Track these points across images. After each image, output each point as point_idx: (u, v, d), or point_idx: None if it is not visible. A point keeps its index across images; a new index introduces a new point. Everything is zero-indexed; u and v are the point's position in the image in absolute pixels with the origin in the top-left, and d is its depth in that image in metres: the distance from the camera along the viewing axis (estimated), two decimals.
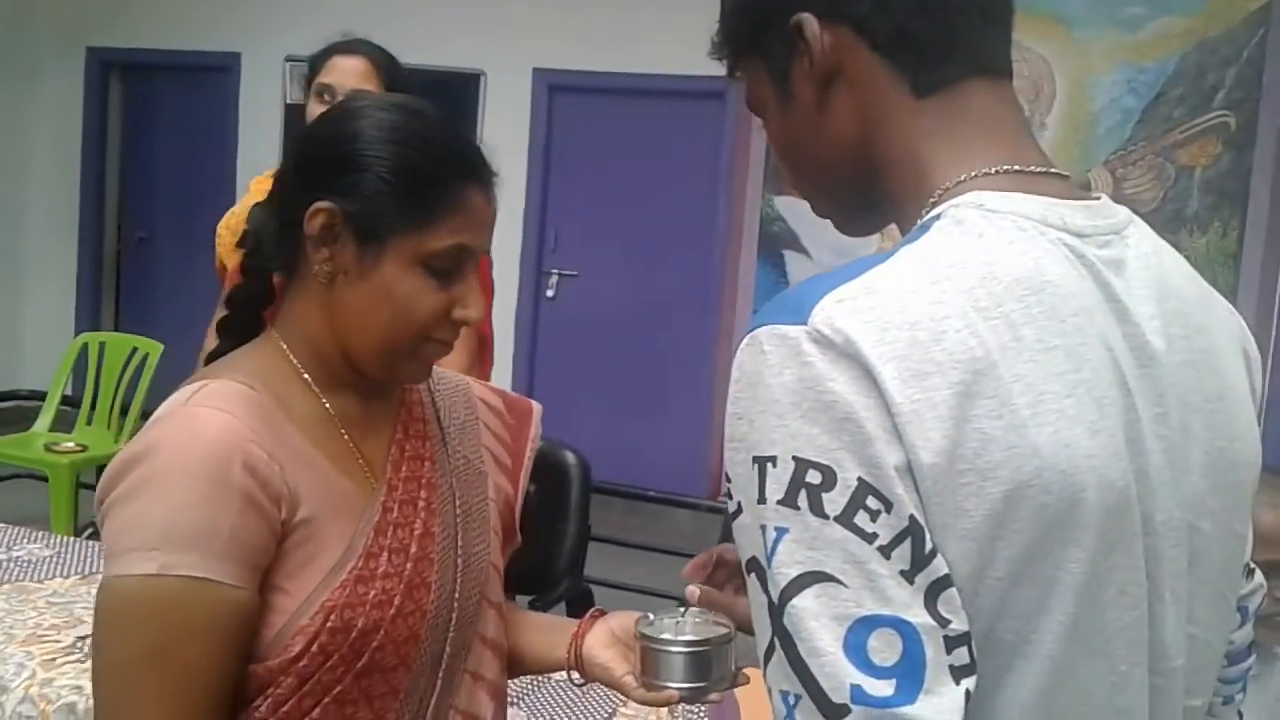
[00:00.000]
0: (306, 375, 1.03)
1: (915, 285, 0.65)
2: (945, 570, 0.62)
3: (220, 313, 1.11)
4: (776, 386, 0.63)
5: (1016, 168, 0.73)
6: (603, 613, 1.17)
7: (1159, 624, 0.71)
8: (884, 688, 0.59)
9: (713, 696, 1.05)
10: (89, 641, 1.78)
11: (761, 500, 0.63)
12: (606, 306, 5.79)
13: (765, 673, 0.64)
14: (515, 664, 1.20)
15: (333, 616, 0.96)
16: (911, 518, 0.61)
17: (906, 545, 0.61)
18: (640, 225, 5.75)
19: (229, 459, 0.92)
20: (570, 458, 2.60)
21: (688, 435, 5.62)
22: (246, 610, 0.93)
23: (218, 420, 0.94)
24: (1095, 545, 0.65)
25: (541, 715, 1.73)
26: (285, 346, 1.04)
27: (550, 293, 5.90)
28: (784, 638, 0.62)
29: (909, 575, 0.61)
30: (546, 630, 1.20)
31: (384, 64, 2.23)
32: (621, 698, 1.79)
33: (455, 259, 1.00)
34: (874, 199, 0.81)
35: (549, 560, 2.54)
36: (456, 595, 1.07)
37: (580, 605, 2.50)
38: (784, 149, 0.84)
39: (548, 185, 5.87)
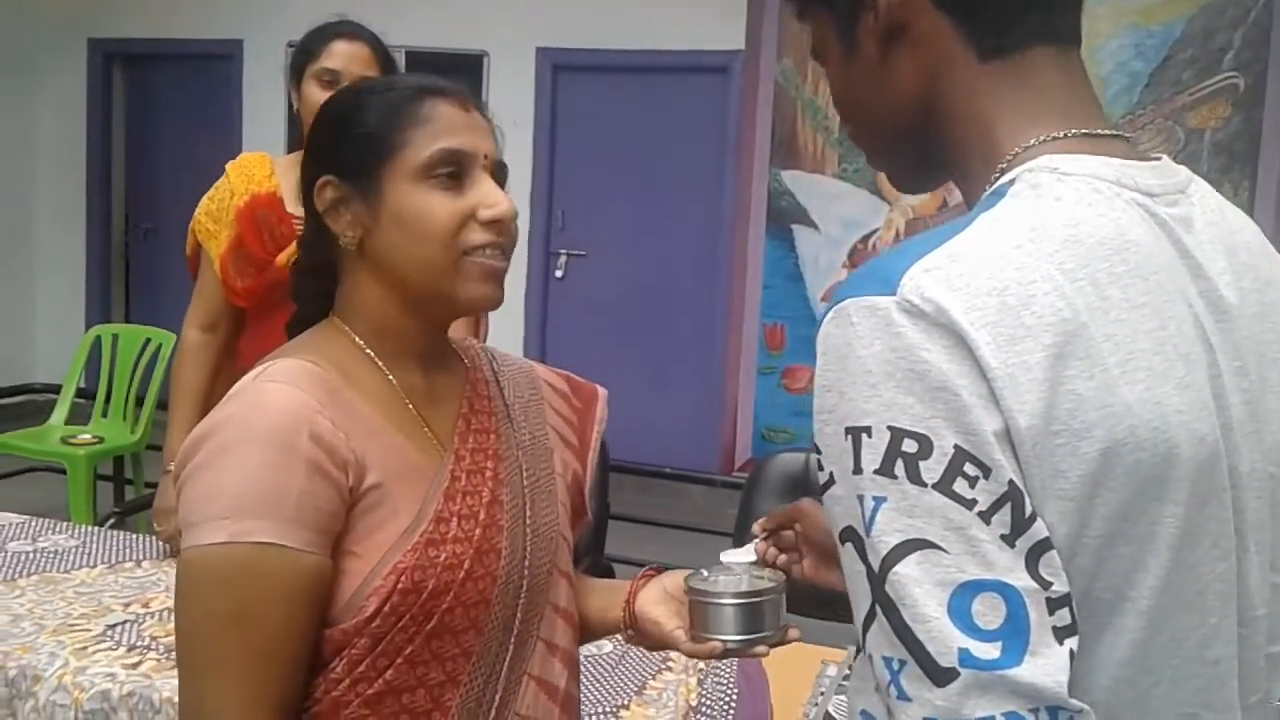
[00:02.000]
0: (369, 350, 1.06)
1: (999, 250, 0.66)
2: (1045, 533, 0.62)
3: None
4: (868, 357, 0.64)
5: (1085, 131, 0.74)
6: (656, 571, 1.20)
7: (1245, 574, 0.71)
8: (991, 650, 0.60)
9: (759, 649, 1.07)
10: (119, 630, 1.80)
11: (857, 470, 0.64)
12: (615, 285, 5.79)
13: (864, 640, 0.65)
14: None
15: (404, 578, 0.98)
16: (1010, 482, 0.62)
17: (1006, 510, 0.62)
18: (647, 203, 5.74)
19: (295, 428, 0.95)
20: None
21: (700, 411, 5.63)
22: (319, 574, 0.96)
23: (283, 393, 0.97)
24: (1188, 500, 0.66)
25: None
26: (346, 326, 1.07)
27: (559, 273, 5.90)
28: (886, 605, 0.63)
29: (1010, 539, 0.61)
30: (603, 593, 1.23)
31: (381, 50, 2.27)
32: (653, 670, 1.80)
33: (450, 164, 1.03)
34: (933, 157, 0.81)
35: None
36: (527, 563, 1.09)
37: None
38: (844, 101, 0.84)
39: (554, 165, 5.86)
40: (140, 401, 4.48)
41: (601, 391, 1.30)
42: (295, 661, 0.96)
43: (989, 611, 0.61)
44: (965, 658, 0.60)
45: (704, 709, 1.68)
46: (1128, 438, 0.64)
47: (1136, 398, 0.64)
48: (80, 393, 4.68)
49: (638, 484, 4.56)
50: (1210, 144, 4.82)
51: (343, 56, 2.21)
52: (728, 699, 1.71)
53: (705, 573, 1.10)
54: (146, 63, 6.62)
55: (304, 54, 2.24)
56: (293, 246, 2.23)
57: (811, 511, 1.15)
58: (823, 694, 1.72)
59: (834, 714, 1.65)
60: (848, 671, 1.79)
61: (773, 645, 1.08)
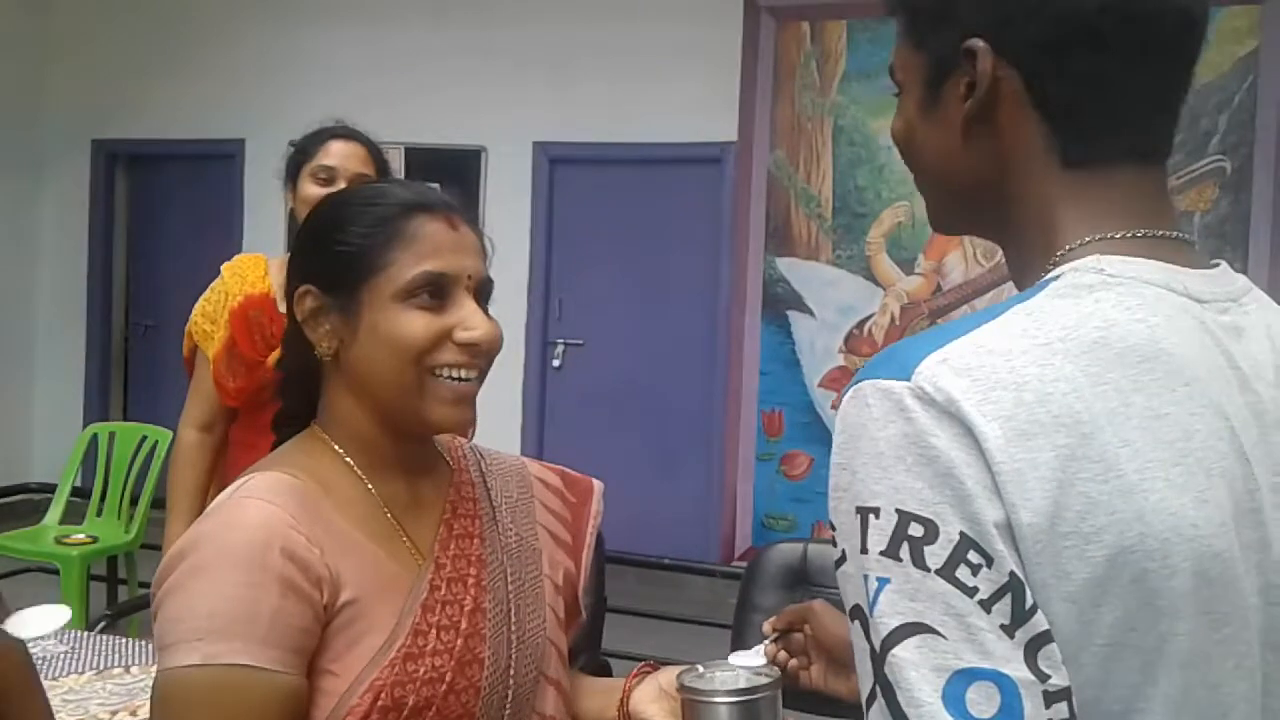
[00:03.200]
0: (349, 460, 1.06)
1: (1025, 346, 0.66)
2: (1045, 626, 0.62)
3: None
4: (881, 439, 0.65)
5: (1144, 233, 0.73)
6: (653, 668, 1.17)
7: (1273, 694, 0.70)
8: None
9: None
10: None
11: (864, 550, 0.64)
12: (613, 374, 5.79)
13: (867, 717, 0.66)
14: None
15: (382, 695, 0.96)
16: (1012, 574, 0.62)
17: (1007, 600, 0.62)
18: (644, 291, 5.78)
19: (268, 545, 0.94)
20: None
21: (700, 500, 5.59)
22: (293, 695, 0.94)
23: (257, 509, 0.97)
24: (1200, 616, 0.65)
25: None
26: (327, 436, 1.07)
27: (556, 362, 5.91)
28: (885, 686, 0.63)
29: (1009, 630, 0.61)
30: (599, 693, 1.20)
31: (375, 150, 2.33)
32: None
33: (430, 287, 1.02)
34: (982, 226, 0.81)
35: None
36: (512, 671, 1.06)
37: None
38: (907, 143, 0.82)
39: (551, 255, 5.91)
40: (135, 500, 4.45)
41: (597, 485, 1.29)
42: None
43: (983, 700, 0.60)
44: None
45: None
46: (1137, 545, 0.63)
47: (1150, 507, 0.63)
48: (76, 491, 4.65)
49: (636, 575, 4.51)
50: (1201, 227, 4.86)
51: (339, 155, 2.27)
52: None
53: (701, 669, 1.07)
54: (149, 162, 6.73)
55: (300, 154, 2.30)
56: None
57: (821, 613, 1.13)
58: None
59: None
60: None
61: None
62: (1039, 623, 0.62)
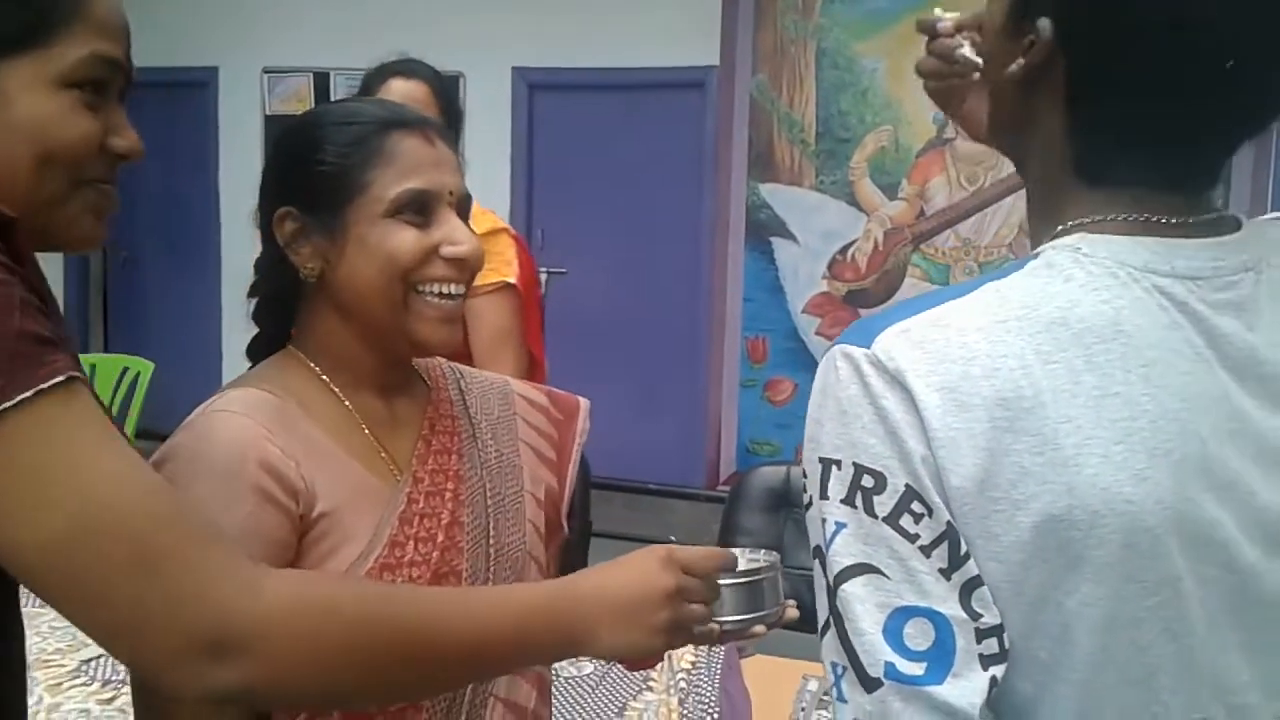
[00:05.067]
0: (325, 377, 1.06)
1: (982, 323, 0.71)
2: (977, 571, 0.69)
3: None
4: (843, 399, 0.71)
5: (1142, 218, 0.74)
6: None
7: (1225, 662, 0.72)
8: (915, 668, 0.67)
9: (757, 630, 1.05)
10: (93, 665, 1.78)
11: (825, 496, 0.72)
12: (597, 302, 5.78)
13: (821, 648, 0.73)
14: None
15: None
16: (949, 523, 0.69)
17: (945, 547, 0.68)
18: (627, 219, 5.75)
19: (243, 456, 0.95)
20: None
21: (684, 426, 5.62)
22: None
23: (232, 421, 0.97)
24: (1127, 584, 0.69)
25: (554, 707, 1.73)
26: (303, 355, 1.07)
27: (540, 290, 5.88)
28: (836, 617, 0.71)
29: (946, 573, 0.68)
30: None
31: (438, 85, 2.22)
32: (633, 691, 1.79)
33: (414, 203, 1.02)
34: (1016, 159, 0.83)
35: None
36: (490, 583, 1.08)
37: None
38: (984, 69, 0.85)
39: (532, 184, 5.86)
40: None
41: (583, 403, 1.29)
42: None
43: (919, 635, 0.68)
44: (890, 670, 0.68)
45: None
46: (1064, 515, 0.68)
47: (1084, 480, 0.68)
48: None
49: (623, 500, 4.56)
50: None
51: (400, 94, 2.16)
52: (710, 717, 1.70)
53: None
54: (136, 89, 6.59)
55: (364, 91, 2.22)
56: None
57: None
58: (804, 708, 1.71)
59: None
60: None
61: (771, 625, 1.06)
62: (971, 568, 0.68)
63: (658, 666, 1.79)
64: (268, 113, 6.08)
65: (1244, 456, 0.71)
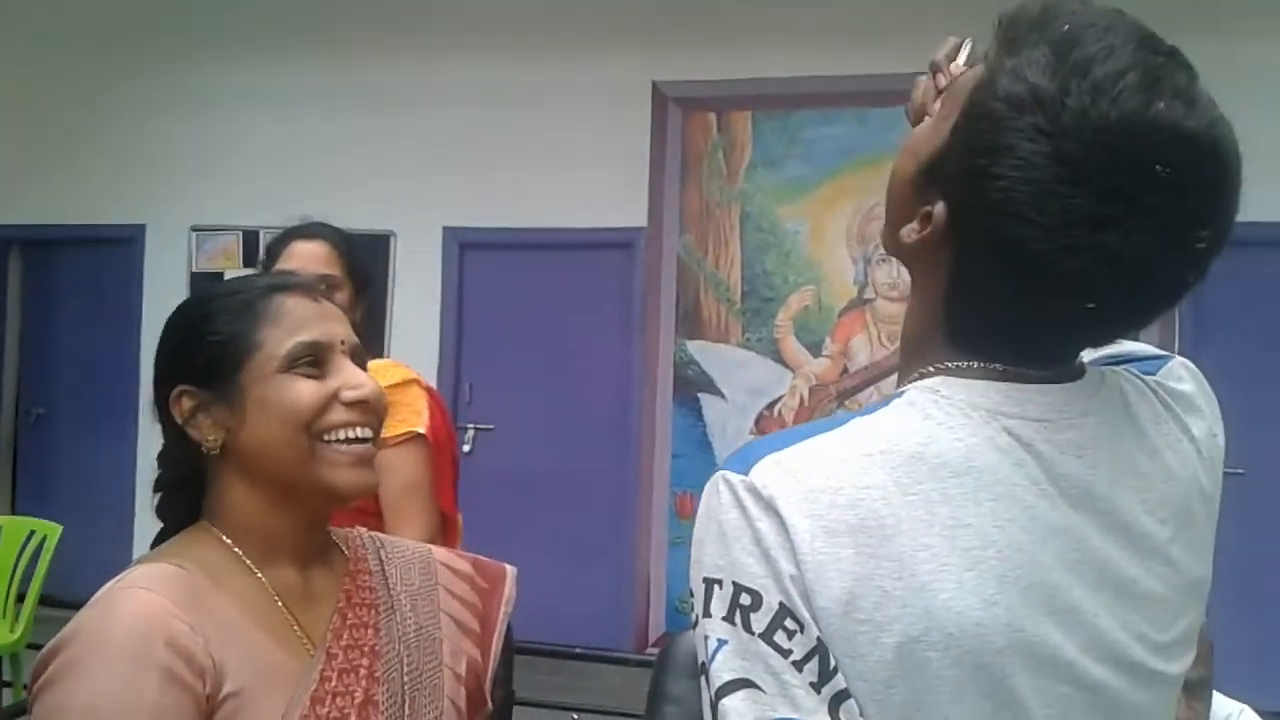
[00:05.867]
0: (238, 550, 1.04)
1: (849, 455, 0.75)
2: (845, 685, 0.72)
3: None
4: (724, 521, 0.75)
5: (1000, 368, 0.79)
6: None
7: None
8: None
9: None
10: None
11: (708, 614, 0.75)
12: (524, 458, 5.74)
13: None
14: None
15: None
16: (819, 639, 0.72)
17: (815, 661, 0.72)
18: (555, 375, 5.77)
19: (149, 636, 0.92)
20: None
21: (612, 586, 5.53)
22: None
23: (139, 598, 0.94)
24: (981, 701, 0.73)
25: None
26: (216, 529, 1.05)
27: (467, 447, 5.83)
28: None
29: (817, 687, 0.72)
30: None
31: (342, 244, 2.22)
32: None
33: (308, 355, 1.03)
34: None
35: None
36: None
37: None
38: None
39: (461, 340, 5.88)
40: (21, 598, 4.24)
41: (510, 570, 1.27)
42: None
43: None
44: None
45: None
46: (922, 636, 0.71)
47: (939, 604, 0.72)
48: None
49: (549, 665, 4.43)
50: None
51: (299, 257, 2.15)
52: None
53: None
54: (46, 247, 6.55)
55: (269, 257, 2.20)
56: None
57: None
58: None
59: None
60: None
61: None
62: (840, 681, 0.72)
63: None
64: (195, 269, 6.07)
65: (1085, 584, 0.76)
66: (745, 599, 0.73)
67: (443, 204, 5.80)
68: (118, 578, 0.98)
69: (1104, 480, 0.78)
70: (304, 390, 1.02)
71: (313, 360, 1.04)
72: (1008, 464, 0.76)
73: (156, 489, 1.10)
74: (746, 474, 0.75)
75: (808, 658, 0.72)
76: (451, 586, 1.20)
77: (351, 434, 1.04)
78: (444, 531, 2.16)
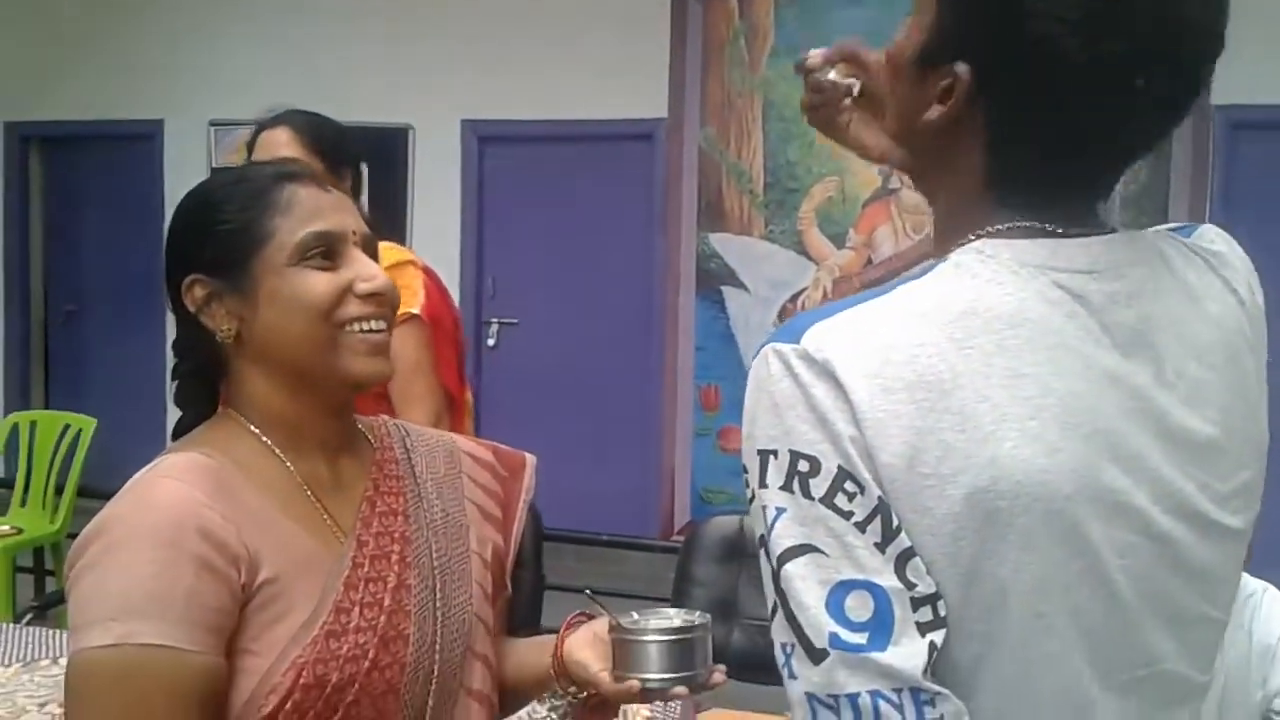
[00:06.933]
0: (266, 440, 1.05)
1: (899, 316, 0.76)
2: (910, 544, 0.72)
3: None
4: (775, 393, 0.75)
5: (1041, 226, 0.79)
6: (586, 617, 1.17)
7: (1150, 629, 0.78)
8: (858, 638, 0.71)
9: (680, 690, 1.05)
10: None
11: (764, 485, 0.75)
12: (548, 352, 5.77)
13: (772, 631, 0.75)
14: (510, 690, 1.20)
15: (305, 673, 0.95)
16: (880, 499, 0.72)
17: (878, 521, 0.72)
18: (578, 269, 5.76)
19: (182, 525, 0.93)
20: None
21: (638, 476, 5.61)
22: (210, 674, 0.93)
23: (171, 488, 0.95)
24: (1048, 551, 0.73)
25: None
26: (242, 417, 1.05)
27: (491, 341, 5.87)
28: (781, 598, 0.74)
29: (881, 546, 0.72)
30: (534, 646, 1.21)
31: (306, 126, 2.22)
32: None
33: (320, 246, 1.03)
34: (926, 187, 0.88)
35: (506, 611, 2.50)
36: (438, 647, 1.06)
37: None
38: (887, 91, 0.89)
39: (482, 234, 5.86)
40: (60, 490, 4.35)
41: (529, 459, 1.29)
42: None
43: (859, 606, 0.71)
44: (835, 640, 0.71)
45: None
46: (990, 486, 0.72)
47: (1004, 453, 0.72)
48: None
49: (576, 553, 4.52)
50: (1120, 199, 4.97)
51: (264, 146, 2.19)
52: None
53: (635, 615, 1.09)
54: (65, 144, 6.54)
55: (249, 152, 2.22)
56: None
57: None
58: None
59: None
60: None
61: (696, 687, 1.05)
62: (904, 540, 0.72)
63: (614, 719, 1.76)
64: (215, 165, 6.04)
65: (1146, 433, 0.77)
66: (803, 465, 0.73)
67: (461, 97, 5.72)
68: (147, 467, 0.99)
69: (1154, 329, 0.79)
70: (318, 283, 1.02)
71: (325, 251, 1.03)
72: (1060, 315, 0.76)
73: (174, 377, 1.11)
74: (797, 342, 0.75)
75: (870, 518, 0.72)
76: (475, 475, 1.21)
77: (367, 326, 1.04)
78: (452, 410, 2.19)
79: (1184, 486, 0.77)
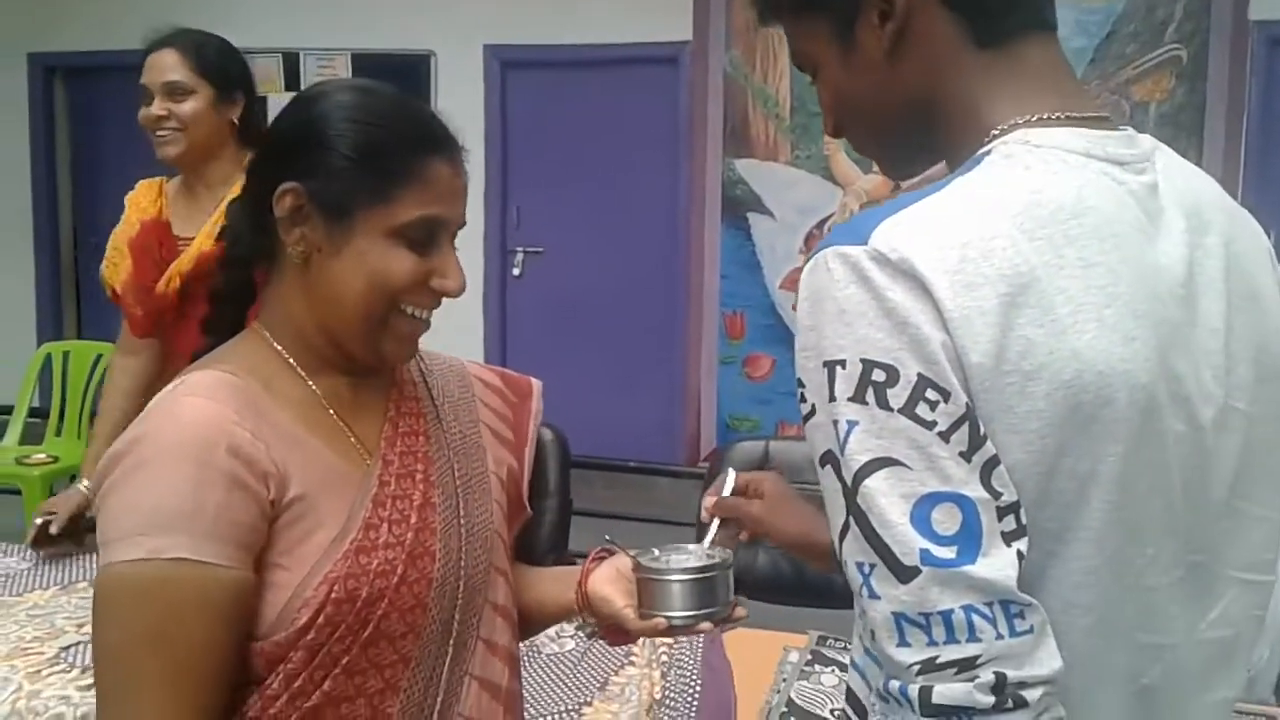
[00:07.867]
0: (291, 360, 1.05)
1: (966, 210, 0.73)
2: (994, 451, 0.70)
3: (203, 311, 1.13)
4: (842, 299, 0.71)
5: (1067, 114, 0.80)
6: (610, 552, 1.19)
7: (1193, 519, 0.78)
8: (947, 552, 0.68)
9: (704, 626, 1.07)
10: (72, 651, 1.77)
11: (833, 398, 0.71)
12: (573, 280, 5.77)
13: (841, 552, 0.73)
14: (533, 619, 1.23)
15: (336, 587, 0.97)
16: (967, 405, 0.70)
17: (964, 429, 0.69)
18: (602, 197, 5.73)
19: (212, 441, 0.94)
20: (547, 433, 2.59)
21: (664, 403, 5.63)
22: (239, 589, 0.94)
23: (200, 406, 0.96)
24: (1128, 441, 0.72)
25: (537, 684, 1.73)
26: (269, 335, 1.06)
27: (516, 270, 5.87)
28: (858, 515, 0.70)
29: (966, 455, 0.69)
30: (558, 578, 1.23)
31: (193, 50, 2.21)
32: (615, 665, 1.80)
33: (426, 230, 1.02)
34: (927, 144, 0.86)
35: (533, 537, 2.53)
36: (463, 563, 1.08)
37: None
38: (841, 101, 0.89)
39: (506, 162, 5.83)
40: (93, 418, 4.40)
41: (536, 384, 1.30)
42: (218, 678, 0.94)
43: (946, 519, 0.68)
44: (925, 557, 0.68)
45: (668, 702, 1.68)
46: (1074, 380, 0.70)
47: (1084, 345, 0.71)
48: (34, 412, 4.60)
49: (603, 479, 4.56)
50: (1156, 116, 4.87)
51: (150, 70, 2.23)
52: (691, 690, 1.70)
53: (656, 551, 1.11)
54: (89, 74, 6.52)
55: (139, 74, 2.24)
56: (172, 268, 2.23)
57: (769, 505, 1.18)
58: (785, 680, 1.72)
59: (797, 700, 1.66)
60: (809, 657, 1.80)
61: (719, 622, 1.07)
62: (990, 448, 0.70)
63: (639, 641, 1.79)
64: None
65: (1193, 324, 0.78)
66: (878, 375, 0.70)
67: (482, 21, 5.65)
68: (173, 384, 1.00)
69: (1185, 218, 0.79)
70: (404, 265, 1.01)
71: (426, 235, 1.02)
72: (1114, 203, 0.76)
73: (212, 300, 1.10)
74: (864, 243, 0.71)
75: (955, 426, 0.69)
76: (485, 398, 1.23)
77: (419, 313, 1.04)
78: None
79: (1203, 375, 0.78)
